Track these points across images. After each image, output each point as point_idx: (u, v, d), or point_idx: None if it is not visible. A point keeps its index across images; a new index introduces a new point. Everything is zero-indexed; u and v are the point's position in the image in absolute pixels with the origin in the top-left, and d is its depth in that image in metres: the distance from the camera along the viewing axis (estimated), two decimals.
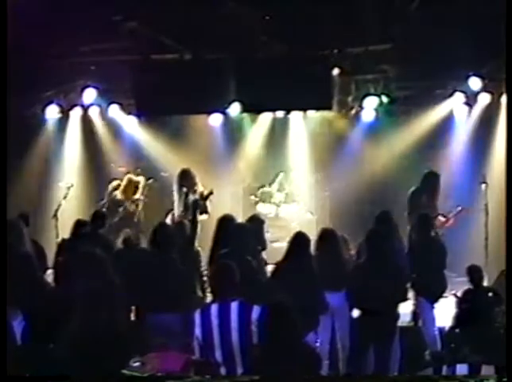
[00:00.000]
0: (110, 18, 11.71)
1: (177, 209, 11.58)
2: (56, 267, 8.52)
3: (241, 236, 8.53)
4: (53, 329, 6.60)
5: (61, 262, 8.27)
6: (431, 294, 9.28)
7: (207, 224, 11.70)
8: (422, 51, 11.95)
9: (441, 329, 8.90)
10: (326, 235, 9.02)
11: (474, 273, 8.55)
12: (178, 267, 8.44)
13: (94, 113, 13.99)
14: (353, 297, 8.30)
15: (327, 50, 12.55)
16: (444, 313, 9.07)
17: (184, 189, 11.69)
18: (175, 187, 11.88)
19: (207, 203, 11.73)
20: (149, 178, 13.32)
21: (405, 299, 8.57)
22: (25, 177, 13.93)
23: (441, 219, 11.17)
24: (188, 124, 14.54)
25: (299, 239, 8.53)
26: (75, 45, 12.41)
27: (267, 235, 10.46)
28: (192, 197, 11.67)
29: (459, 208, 11.29)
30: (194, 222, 10.96)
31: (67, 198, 12.75)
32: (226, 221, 9.12)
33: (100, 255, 8.71)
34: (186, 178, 11.81)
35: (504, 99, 12.71)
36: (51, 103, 13.74)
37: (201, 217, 11.72)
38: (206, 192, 11.71)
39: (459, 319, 7.53)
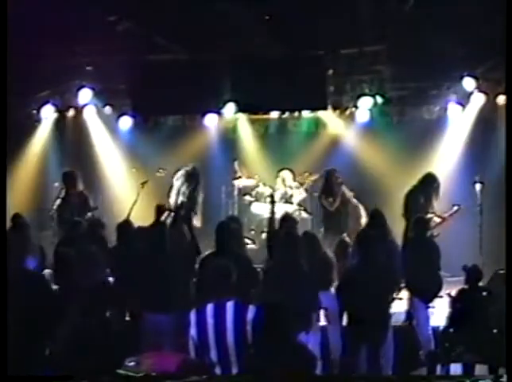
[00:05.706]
0: (105, 19, 11.72)
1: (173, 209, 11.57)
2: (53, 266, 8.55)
3: (227, 235, 8.54)
4: (48, 329, 6.62)
5: (57, 261, 8.29)
6: (425, 294, 9.29)
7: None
8: (416, 51, 11.99)
9: (435, 329, 8.92)
10: (311, 235, 9.12)
11: (472, 273, 8.57)
12: (172, 267, 8.46)
13: (89, 113, 14.00)
14: (344, 296, 8.32)
15: (322, 51, 12.59)
16: (438, 312, 9.11)
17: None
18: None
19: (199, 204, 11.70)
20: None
21: (395, 299, 8.59)
22: (21, 177, 13.93)
23: (437, 219, 11.16)
24: (183, 124, 14.57)
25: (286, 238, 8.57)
26: (70, 46, 12.42)
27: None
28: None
29: (455, 207, 11.27)
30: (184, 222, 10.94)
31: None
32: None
33: (95, 254, 8.76)
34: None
35: (499, 99, 12.74)
36: (46, 103, 13.77)
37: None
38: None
39: (453, 319, 7.54)
